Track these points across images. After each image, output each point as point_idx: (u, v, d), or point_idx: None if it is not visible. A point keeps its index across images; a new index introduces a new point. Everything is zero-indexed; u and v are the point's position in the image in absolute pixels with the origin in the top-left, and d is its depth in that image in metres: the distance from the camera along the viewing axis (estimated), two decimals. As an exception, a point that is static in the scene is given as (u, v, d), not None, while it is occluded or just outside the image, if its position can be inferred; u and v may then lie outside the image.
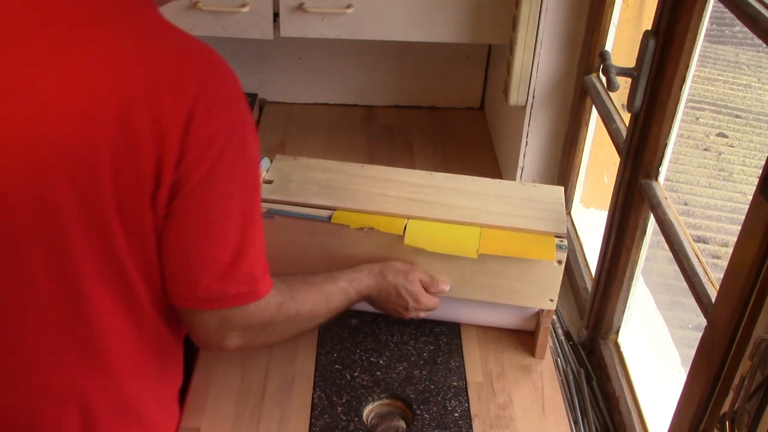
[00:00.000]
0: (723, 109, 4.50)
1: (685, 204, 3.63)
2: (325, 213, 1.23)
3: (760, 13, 0.86)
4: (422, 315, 1.25)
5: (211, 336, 0.97)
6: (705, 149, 4.17)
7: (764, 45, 0.96)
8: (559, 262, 1.18)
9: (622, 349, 1.33)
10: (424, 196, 1.28)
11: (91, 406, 0.95)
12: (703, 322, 0.93)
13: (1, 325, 0.89)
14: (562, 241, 1.20)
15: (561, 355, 1.36)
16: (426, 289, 1.22)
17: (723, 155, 4.11)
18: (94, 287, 0.89)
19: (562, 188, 1.33)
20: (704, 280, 1.00)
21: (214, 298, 0.92)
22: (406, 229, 1.21)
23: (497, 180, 1.38)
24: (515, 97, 1.58)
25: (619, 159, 1.27)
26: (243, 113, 0.90)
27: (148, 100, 0.82)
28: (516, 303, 1.26)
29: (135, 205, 0.85)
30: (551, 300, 1.23)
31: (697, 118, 4.39)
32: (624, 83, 1.22)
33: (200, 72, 0.86)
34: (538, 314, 1.28)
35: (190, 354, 1.34)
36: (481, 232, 1.21)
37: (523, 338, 1.33)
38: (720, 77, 4.83)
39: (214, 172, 0.87)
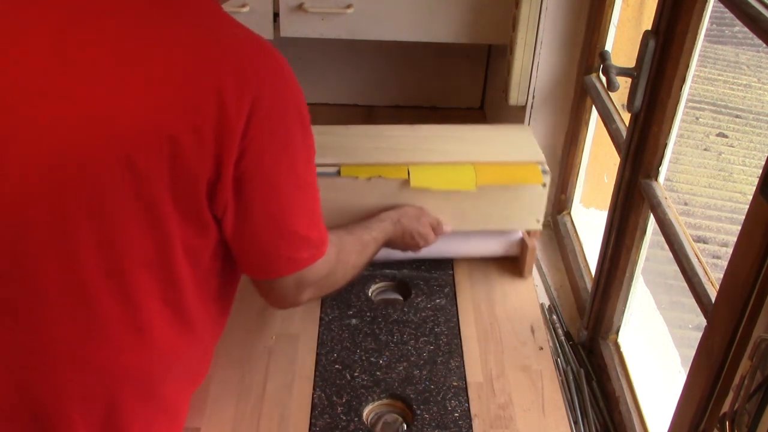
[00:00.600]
0: (723, 109, 4.50)
1: (685, 204, 3.63)
2: (332, 170, 1.35)
3: (760, 13, 0.86)
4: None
5: (289, 296, 1.06)
6: (705, 149, 4.17)
7: (764, 45, 0.96)
8: (544, 185, 1.38)
9: (622, 349, 1.33)
10: (414, 144, 1.44)
11: (120, 393, 0.96)
12: (703, 322, 0.93)
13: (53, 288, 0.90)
14: (544, 167, 1.39)
15: (561, 355, 1.36)
16: (433, 231, 1.37)
17: (723, 155, 4.11)
18: (137, 273, 0.92)
19: (528, 126, 1.51)
20: (704, 280, 1.00)
21: (292, 264, 1.01)
22: (410, 173, 1.35)
23: (469, 125, 1.57)
24: (515, 97, 1.58)
25: (619, 159, 1.27)
26: (295, 91, 0.95)
27: (215, 92, 0.86)
28: (509, 227, 1.45)
29: (190, 193, 0.90)
30: (538, 220, 1.42)
31: (697, 118, 4.38)
32: (624, 83, 1.22)
33: (262, 67, 0.91)
34: (523, 239, 1.46)
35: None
36: (476, 168, 1.37)
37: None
38: (720, 77, 4.83)
39: (280, 158, 0.93)
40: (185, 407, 1.08)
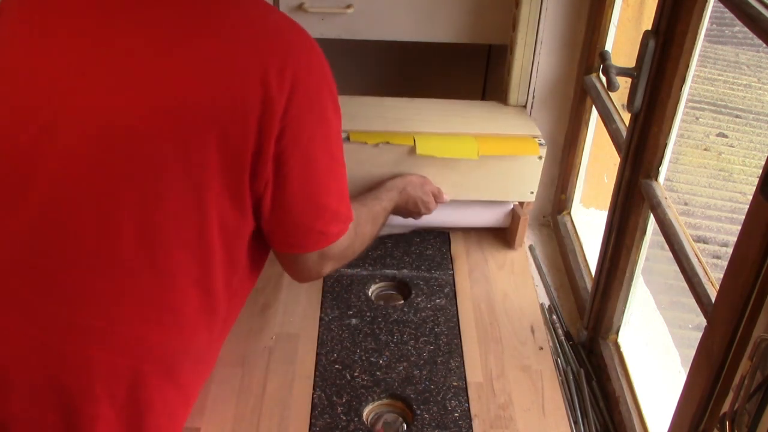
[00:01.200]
0: (723, 109, 4.50)
1: (685, 204, 3.63)
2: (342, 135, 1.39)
3: (760, 13, 0.86)
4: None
5: (312, 270, 1.11)
6: (705, 149, 4.17)
7: (764, 45, 0.96)
8: (540, 157, 1.47)
9: (622, 349, 1.33)
10: (418, 116, 1.54)
11: (144, 371, 0.97)
12: (703, 322, 0.93)
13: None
14: (540, 141, 1.48)
15: (561, 355, 1.36)
16: (434, 199, 1.45)
17: (723, 155, 4.11)
18: (176, 252, 0.96)
19: (524, 107, 1.58)
20: (704, 280, 1.00)
21: (321, 240, 1.05)
22: (416, 142, 1.44)
23: (468, 101, 1.66)
24: (515, 97, 1.58)
25: (619, 159, 1.27)
26: (328, 72, 1.02)
27: (260, 72, 0.91)
28: (505, 198, 1.54)
29: (236, 173, 0.94)
30: (532, 192, 1.52)
31: (697, 118, 4.39)
32: (624, 83, 1.22)
33: (299, 46, 0.97)
34: (515, 210, 1.56)
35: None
36: (477, 139, 1.47)
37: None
38: (720, 77, 4.83)
39: (316, 133, 0.98)
40: (196, 394, 1.09)
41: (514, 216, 1.56)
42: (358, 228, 1.16)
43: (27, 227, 0.92)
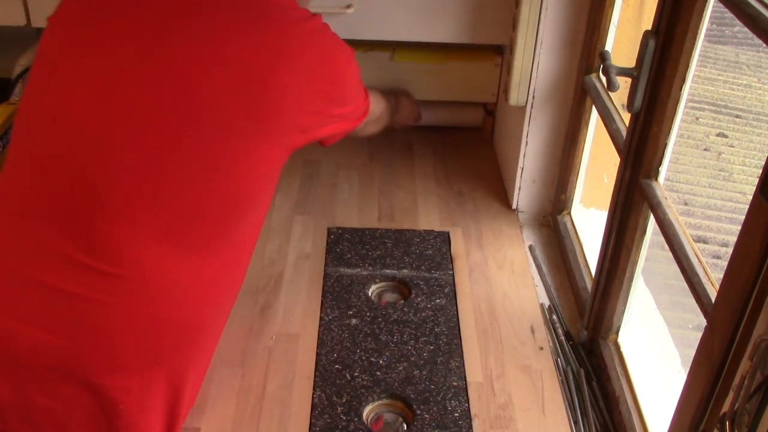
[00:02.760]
0: (723, 109, 4.50)
1: (685, 204, 3.63)
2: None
3: (760, 13, 0.86)
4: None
5: (360, 133, 1.39)
6: (705, 149, 4.17)
7: (764, 45, 0.96)
8: (496, 65, 1.83)
9: (622, 349, 1.33)
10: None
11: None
12: (703, 322, 0.93)
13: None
14: (498, 52, 1.83)
15: (561, 355, 1.36)
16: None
17: (723, 155, 4.11)
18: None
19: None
20: (704, 280, 1.00)
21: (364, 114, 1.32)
22: (395, 51, 1.84)
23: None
24: (515, 97, 1.58)
25: (619, 159, 1.27)
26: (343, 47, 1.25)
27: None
28: (470, 98, 1.92)
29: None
30: (492, 94, 1.89)
31: (697, 118, 4.39)
32: (624, 83, 1.22)
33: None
34: (484, 109, 1.96)
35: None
36: (445, 49, 1.84)
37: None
38: (720, 77, 4.83)
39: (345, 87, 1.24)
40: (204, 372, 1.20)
41: (483, 116, 1.95)
42: (377, 104, 1.43)
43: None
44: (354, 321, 1.37)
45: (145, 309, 1.02)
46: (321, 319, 1.38)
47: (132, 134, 1.02)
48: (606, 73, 1.19)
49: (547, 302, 1.48)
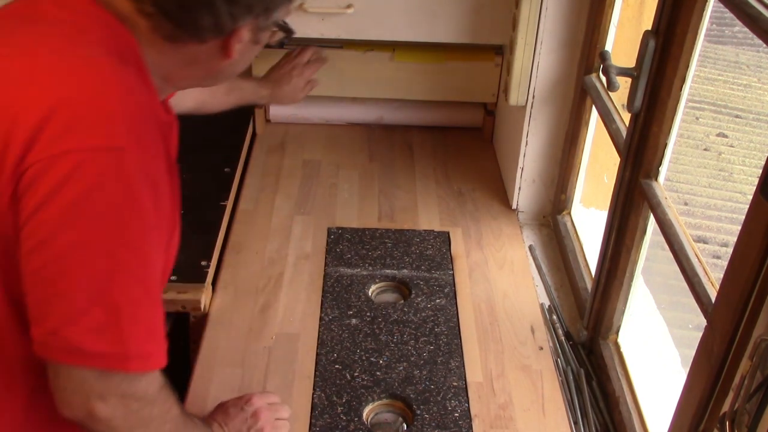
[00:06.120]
0: (723, 109, 4.50)
1: (685, 204, 3.64)
2: (337, 45, 1.78)
3: (760, 13, 0.86)
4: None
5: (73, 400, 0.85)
6: (705, 149, 4.18)
7: (764, 45, 0.96)
8: (496, 64, 1.83)
9: (622, 349, 1.33)
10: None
11: None
12: (703, 322, 0.93)
13: None
14: (498, 53, 1.83)
15: (561, 355, 1.36)
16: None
17: (723, 155, 4.11)
18: None
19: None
20: (704, 280, 1.00)
21: (67, 348, 0.82)
22: (395, 50, 1.83)
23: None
24: (515, 97, 1.58)
25: (619, 159, 1.27)
26: (103, 138, 0.81)
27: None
28: (470, 99, 1.92)
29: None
30: (493, 94, 1.88)
31: (697, 118, 4.39)
32: (624, 83, 1.22)
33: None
34: (485, 110, 1.94)
35: (190, 354, 1.34)
36: (444, 49, 1.83)
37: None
38: (720, 77, 4.83)
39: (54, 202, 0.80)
40: None
41: (483, 116, 1.93)
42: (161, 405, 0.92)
43: None
44: (354, 321, 1.37)
45: None
46: (321, 319, 1.38)
47: None
48: (606, 73, 1.19)
49: (547, 302, 1.48)
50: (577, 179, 1.61)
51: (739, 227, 0.83)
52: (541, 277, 1.54)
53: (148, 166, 0.84)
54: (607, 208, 1.32)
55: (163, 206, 0.87)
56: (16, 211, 0.81)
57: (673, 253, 1.08)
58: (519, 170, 1.65)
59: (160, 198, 0.86)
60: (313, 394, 1.23)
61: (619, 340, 1.34)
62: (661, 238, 1.12)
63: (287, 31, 1.02)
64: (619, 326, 1.33)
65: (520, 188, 1.68)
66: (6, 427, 0.92)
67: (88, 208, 0.80)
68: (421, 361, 1.29)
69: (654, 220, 1.17)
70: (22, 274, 0.82)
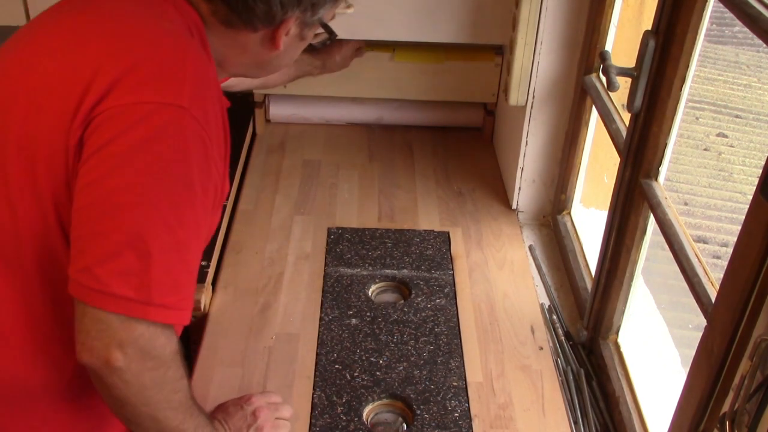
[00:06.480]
0: (723, 109, 4.50)
1: (685, 204, 3.64)
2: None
3: (760, 13, 0.86)
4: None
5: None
6: (705, 149, 4.18)
7: (764, 45, 0.96)
8: (496, 64, 1.84)
9: (622, 349, 1.33)
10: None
11: None
12: (703, 322, 0.93)
13: None
14: (498, 53, 1.83)
15: (561, 355, 1.36)
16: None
17: (723, 155, 4.11)
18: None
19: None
20: (704, 280, 1.00)
21: (94, 288, 0.84)
22: (395, 50, 1.84)
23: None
24: (515, 97, 1.58)
25: (619, 159, 1.27)
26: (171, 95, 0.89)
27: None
28: (470, 99, 1.91)
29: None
30: (493, 94, 1.89)
31: (697, 118, 4.39)
32: (624, 83, 1.22)
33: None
34: (485, 110, 1.94)
35: (190, 354, 1.34)
36: (444, 48, 1.84)
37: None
38: (720, 77, 4.83)
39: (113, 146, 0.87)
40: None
41: (483, 116, 1.93)
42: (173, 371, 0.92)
43: None
44: (354, 321, 1.37)
45: None
46: (321, 319, 1.38)
47: None
48: (606, 73, 1.19)
49: (547, 302, 1.48)
50: (577, 179, 1.61)
51: (739, 227, 0.83)
52: (541, 277, 1.54)
53: (205, 131, 0.90)
54: (607, 208, 1.32)
55: (211, 173, 0.93)
56: (80, 153, 0.88)
57: (673, 253, 1.08)
58: (519, 170, 1.65)
59: (209, 164, 0.92)
60: (313, 394, 1.23)
61: (619, 340, 1.34)
62: (661, 238, 1.12)
63: (330, 32, 1.10)
64: (619, 326, 1.33)
65: (520, 188, 1.68)
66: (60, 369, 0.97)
67: (141, 156, 0.86)
68: (421, 361, 1.29)
69: (654, 220, 1.17)
70: (72, 210, 0.88)
